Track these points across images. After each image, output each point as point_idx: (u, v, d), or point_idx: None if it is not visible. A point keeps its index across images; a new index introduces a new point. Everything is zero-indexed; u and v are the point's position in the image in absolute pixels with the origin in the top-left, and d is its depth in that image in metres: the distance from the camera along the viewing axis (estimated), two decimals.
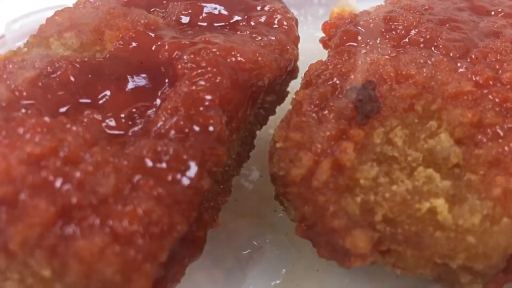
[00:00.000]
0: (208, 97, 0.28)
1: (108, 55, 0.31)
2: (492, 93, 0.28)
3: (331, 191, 0.26)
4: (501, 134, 0.27)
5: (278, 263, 0.34)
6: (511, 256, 0.29)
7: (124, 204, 0.22)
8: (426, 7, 0.36)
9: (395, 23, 0.33)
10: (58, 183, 0.22)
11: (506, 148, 0.26)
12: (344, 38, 0.33)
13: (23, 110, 0.26)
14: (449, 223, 0.25)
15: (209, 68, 0.29)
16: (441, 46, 0.31)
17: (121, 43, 0.32)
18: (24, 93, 0.27)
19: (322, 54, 0.41)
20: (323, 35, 0.40)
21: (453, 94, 0.28)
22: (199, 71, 0.29)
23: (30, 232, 0.21)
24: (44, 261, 0.22)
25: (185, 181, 0.25)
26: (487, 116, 0.27)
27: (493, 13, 0.36)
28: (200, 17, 0.35)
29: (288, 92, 0.40)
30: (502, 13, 0.35)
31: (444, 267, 0.26)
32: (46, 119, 0.25)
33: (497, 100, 0.28)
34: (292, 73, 0.38)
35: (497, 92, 0.28)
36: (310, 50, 0.44)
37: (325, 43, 0.36)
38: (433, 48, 0.32)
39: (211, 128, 0.27)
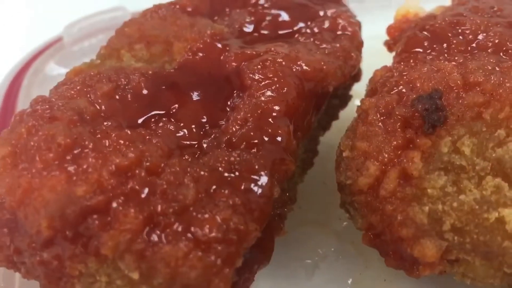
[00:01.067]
0: (276, 107, 0.32)
1: (177, 66, 0.37)
2: None
3: (399, 200, 0.30)
4: None
5: (344, 272, 0.38)
6: None
7: (204, 212, 0.27)
8: (495, 8, 0.39)
9: (462, 27, 0.36)
10: (144, 192, 0.27)
11: None
12: (410, 44, 0.36)
13: (105, 123, 0.31)
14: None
15: (275, 79, 0.33)
16: (510, 51, 0.34)
17: (189, 54, 0.36)
18: (103, 107, 0.32)
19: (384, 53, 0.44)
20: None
21: None
22: (266, 82, 0.33)
23: (121, 238, 0.26)
24: (133, 265, 0.26)
25: (258, 190, 0.29)
26: None
27: None
28: (263, 24, 0.39)
29: (351, 96, 0.44)
30: None
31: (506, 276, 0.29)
32: (128, 131, 0.30)
33: None
34: (356, 77, 0.42)
35: None
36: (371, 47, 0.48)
37: (390, 46, 0.40)
38: (502, 54, 0.35)
39: (279, 139, 0.31)
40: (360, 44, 0.39)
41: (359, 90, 0.43)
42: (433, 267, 0.30)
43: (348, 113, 0.40)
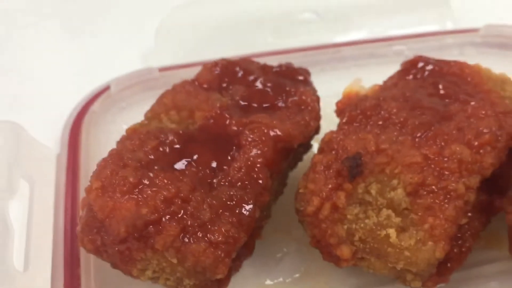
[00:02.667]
0: (259, 160, 0.46)
1: (197, 128, 0.50)
2: (434, 163, 0.46)
3: (330, 222, 0.45)
4: (435, 190, 0.45)
5: (300, 263, 0.52)
6: (439, 264, 0.47)
7: (214, 226, 0.42)
8: (407, 95, 0.53)
9: (381, 110, 0.51)
10: (180, 213, 0.42)
11: (436, 200, 0.45)
12: (349, 119, 0.51)
13: (155, 167, 0.46)
14: (396, 243, 0.43)
15: (260, 141, 0.47)
16: (409, 128, 0.49)
17: (206, 119, 0.50)
18: (152, 156, 0.47)
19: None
20: None
21: (408, 163, 0.46)
22: (254, 142, 0.47)
23: (167, 239, 0.41)
24: (173, 254, 0.41)
25: (246, 213, 0.44)
26: (428, 179, 0.46)
27: (451, 100, 0.54)
28: (254, 99, 0.53)
29: (311, 145, 0.59)
30: (460, 100, 0.53)
31: (395, 269, 0.45)
32: (168, 174, 0.45)
33: (437, 168, 0.46)
34: (316, 132, 0.57)
35: (437, 162, 0.46)
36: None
37: (338, 114, 0.55)
38: (403, 129, 0.49)
39: (260, 181, 0.45)
40: (317, 114, 0.53)
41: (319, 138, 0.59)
42: (348, 262, 0.45)
43: (309, 156, 0.55)
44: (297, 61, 0.71)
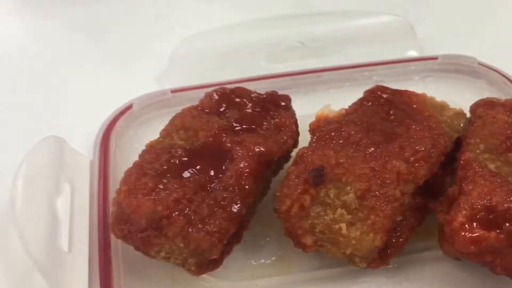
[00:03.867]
0: (246, 170, 0.55)
1: (200, 144, 0.58)
2: (378, 174, 0.56)
3: (298, 218, 0.53)
4: (378, 195, 0.56)
5: (277, 249, 0.60)
6: (380, 250, 0.57)
7: (211, 220, 0.50)
8: (364, 119, 0.61)
9: (342, 131, 0.59)
10: (186, 210, 0.52)
11: (378, 202, 0.54)
12: (316, 138, 0.60)
13: (168, 175, 0.57)
14: (346, 234, 0.52)
15: (247, 155, 0.56)
16: (362, 146, 0.56)
17: (207, 138, 0.58)
18: (166, 167, 0.58)
19: None
20: None
21: (358, 174, 0.54)
22: (242, 156, 0.56)
23: (175, 229, 0.50)
24: (181, 241, 0.50)
25: (235, 210, 0.52)
26: (373, 186, 0.54)
27: (398, 123, 0.64)
28: (245, 121, 0.62)
29: (291, 156, 0.64)
30: (405, 124, 0.62)
31: (346, 254, 0.53)
32: (177, 180, 0.56)
33: (380, 178, 0.57)
34: (295, 146, 0.66)
35: (381, 174, 0.56)
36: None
37: (311, 133, 0.65)
38: (358, 148, 0.57)
39: (247, 187, 0.54)
40: (294, 135, 0.62)
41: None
42: (311, 248, 0.54)
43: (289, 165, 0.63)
44: (285, 84, 0.82)
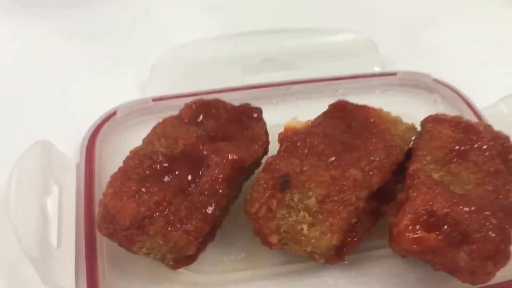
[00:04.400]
0: (221, 176, 0.58)
1: (179, 151, 0.60)
2: (337, 182, 0.61)
3: (265, 219, 0.57)
4: (336, 200, 0.61)
5: (247, 246, 0.64)
6: (337, 248, 0.60)
7: (188, 220, 0.55)
8: (327, 132, 0.64)
9: (307, 142, 0.62)
10: (166, 211, 0.57)
11: (336, 206, 0.59)
12: (284, 148, 0.63)
13: (150, 179, 0.62)
14: (307, 234, 0.56)
15: (221, 162, 0.59)
16: (324, 156, 0.60)
17: (185, 146, 0.61)
18: (148, 172, 0.62)
19: None
20: None
21: (320, 181, 0.58)
22: (217, 163, 0.59)
23: (156, 228, 0.55)
24: (161, 238, 0.53)
25: (210, 212, 0.56)
26: (332, 192, 0.61)
27: (357, 136, 0.70)
28: (220, 131, 0.66)
29: (261, 163, 0.67)
30: (363, 137, 0.66)
31: (307, 251, 0.57)
32: (158, 184, 0.61)
33: (338, 185, 0.62)
34: (265, 153, 0.70)
35: (339, 181, 0.60)
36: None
37: (279, 143, 0.70)
38: (320, 157, 0.60)
39: (220, 191, 0.58)
40: (264, 144, 0.66)
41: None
42: (277, 246, 0.57)
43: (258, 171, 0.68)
44: (258, 94, 0.86)
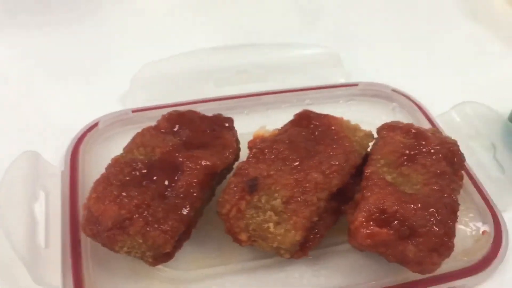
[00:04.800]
0: (194, 181, 0.62)
1: (157, 159, 0.63)
2: (300, 184, 0.67)
3: (235, 219, 0.60)
4: (299, 200, 0.65)
5: (220, 244, 0.67)
6: (301, 244, 0.63)
7: (165, 221, 0.58)
8: (292, 139, 0.68)
9: (273, 149, 0.66)
10: (144, 213, 0.61)
11: (299, 206, 0.63)
12: (252, 155, 0.67)
13: (130, 185, 0.66)
14: (273, 232, 0.59)
15: (195, 168, 0.63)
16: (289, 161, 0.65)
17: (162, 154, 0.64)
18: (128, 178, 0.67)
19: None
20: None
21: (284, 184, 0.61)
22: (191, 169, 0.62)
23: (136, 228, 0.60)
24: (140, 237, 0.56)
25: (185, 213, 0.59)
26: (295, 194, 0.67)
27: (320, 143, 0.76)
28: (195, 140, 0.70)
29: (233, 168, 0.70)
30: (325, 143, 0.72)
31: (273, 247, 0.60)
32: (138, 189, 0.66)
33: (301, 187, 0.67)
34: (236, 159, 0.75)
35: (302, 183, 0.65)
36: None
37: (248, 149, 0.76)
38: (285, 163, 0.64)
39: (195, 194, 0.61)
40: (235, 151, 0.69)
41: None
42: (246, 243, 0.61)
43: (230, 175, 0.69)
44: (230, 105, 0.90)
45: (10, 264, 0.65)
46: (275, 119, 0.76)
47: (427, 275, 0.62)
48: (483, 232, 0.71)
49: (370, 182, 0.67)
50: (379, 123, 0.78)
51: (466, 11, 1.14)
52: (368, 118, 0.86)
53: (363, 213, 0.64)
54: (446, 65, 1.09)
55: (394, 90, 0.96)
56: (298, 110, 0.74)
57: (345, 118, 0.72)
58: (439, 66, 1.09)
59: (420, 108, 0.94)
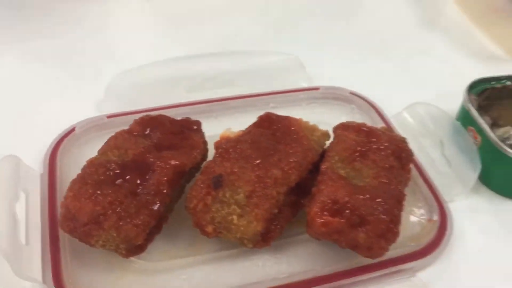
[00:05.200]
0: (164, 179, 0.65)
1: (130, 160, 0.66)
2: (261, 180, 0.73)
3: (202, 212, 0.63)
4: (260, 195, 0.72)
5: (189, 236, 0.70)
6: (263, 235, 0.68)
7: (136, 215, 0.64)
8: (255, 139, 0.71)
9: (237, 148, 0.69)
10: (117, 210, 0.66)
11: (260, 200, 0.69)
12: (218, 154, 0.71)
13: (104, 183, 0.70)
14: (237, 223, 0.62)
15: (165, 168, 0.66)
16: (251, 159, 0.67)
17: (135, 155, 0.68)
18: (102, 177, 0.72)
19: None
20: None
21: (247, 180, 0.65)
22: (161, 168, 0.66)
23: (110, 223, 0.64)
24: (114, 231, 0.60)
25: (155, 208, 0.63)
26: (257, 189, 0.70)
27: (280, 142, 0.82)
28: (165, 141, 0.74)
29: (201, 167, 0.73)
30: (285, 143, 0.77)
31: (237, 238, 0.64)
32: (111, 187, 0.70)
33: (262, 182, 0.71)
34: (203, 159, 0.82)
35: (263, 179, 0.72)
36: None
37: (215, 149, 0.81)
38: (248, 161, 0.67)
39: (164, 191, 0.65)
40: (202, 151, 0.72)
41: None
42: (212, 235, 0.64)
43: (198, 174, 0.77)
44: (200, 109, 0.94)
45: None
46: (242, 122, 0.79)
47: (377, 260, 0.67)
48: (430, 220, 0.77)
49: (325, 176, 0.73)
50: (338, 123, 0.84)
51: (418, 18, 1.21)
52: (328, 119, 0.91)
53: (318, 204, 0.69)
54: (399, 69, 1.16)
55: (352, 93, 1.02)
56: (263, 113, 0.77)
57: (308, 119, 0.76)
58: (393, 70, 1.15)
59: (375, 109, 1.00)
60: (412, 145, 0.74)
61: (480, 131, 0.89)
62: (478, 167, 0.77)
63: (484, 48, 1.25)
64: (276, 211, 0.68)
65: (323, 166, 0.70)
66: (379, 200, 0.70)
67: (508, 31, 1.26)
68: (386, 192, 0.72)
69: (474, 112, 0.91)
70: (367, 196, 0.70)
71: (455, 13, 1.33)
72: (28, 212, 0.70)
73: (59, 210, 0.68)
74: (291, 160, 0.71)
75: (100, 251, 0.65)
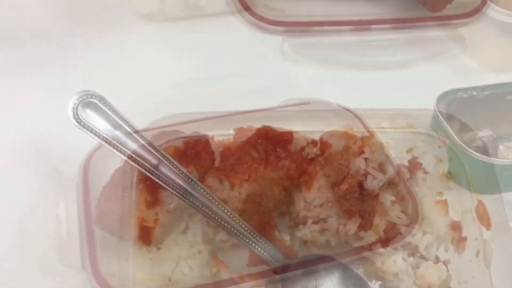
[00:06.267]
0: None
1: None
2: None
3: None
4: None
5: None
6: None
7: None
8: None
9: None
10: None
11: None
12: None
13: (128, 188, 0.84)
14: None
15: None
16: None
17: None
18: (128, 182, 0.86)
19: None
20: None
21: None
22: None
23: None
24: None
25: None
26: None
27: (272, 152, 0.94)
28: None
29: None
30: (276, 152, 0.82)
31: None
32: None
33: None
34: None
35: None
36: None
37: None
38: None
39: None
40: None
41: None
42: None
43: None
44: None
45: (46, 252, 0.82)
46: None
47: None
48: None
49: None
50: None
51: None
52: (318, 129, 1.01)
53: None
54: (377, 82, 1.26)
55: (338, 105, 1.10)
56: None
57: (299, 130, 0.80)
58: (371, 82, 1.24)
59: (359, 119, 1.10)
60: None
61: (448, 135, 1.00)
62: None
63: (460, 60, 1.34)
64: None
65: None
66: None
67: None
68: None
69: (441, 119, 1.03)
70: None
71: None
72: (67, 214, 0.83)
73: (93, 211, 0.77)
74: (280, 165, 0.76)
75: (127, 243, 0.72)
